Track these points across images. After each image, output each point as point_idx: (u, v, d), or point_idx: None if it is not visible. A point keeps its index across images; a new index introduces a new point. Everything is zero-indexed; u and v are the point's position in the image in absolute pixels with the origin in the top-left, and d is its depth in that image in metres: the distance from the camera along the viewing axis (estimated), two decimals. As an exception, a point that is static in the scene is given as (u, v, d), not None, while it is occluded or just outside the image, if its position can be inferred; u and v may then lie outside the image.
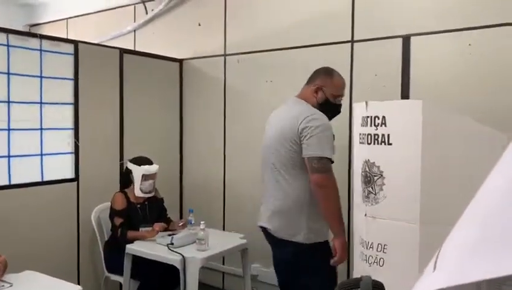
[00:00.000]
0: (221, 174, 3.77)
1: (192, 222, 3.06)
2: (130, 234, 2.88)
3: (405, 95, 2.91)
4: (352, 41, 3.11)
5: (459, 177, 1.44)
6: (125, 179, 3.09)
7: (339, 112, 2.44)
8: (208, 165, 3.86)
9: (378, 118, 1.54)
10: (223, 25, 3.77)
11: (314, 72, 2.46)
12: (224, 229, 3.66)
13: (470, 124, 1.46)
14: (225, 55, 3.77)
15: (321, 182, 2.04)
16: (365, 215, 1.58)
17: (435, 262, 0.52)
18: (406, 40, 2.90)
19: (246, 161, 3.64)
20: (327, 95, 2.33)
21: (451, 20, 2.73)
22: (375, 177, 1.55)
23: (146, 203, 3.08)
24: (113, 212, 2.97)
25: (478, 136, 1.45)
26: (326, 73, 2.38)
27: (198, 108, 3.93)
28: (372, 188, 1.56)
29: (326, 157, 2.05)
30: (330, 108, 2.34)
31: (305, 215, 2.13)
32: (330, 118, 2.29)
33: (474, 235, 0.50)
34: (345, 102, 3.08)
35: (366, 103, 1.59)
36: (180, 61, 4.00)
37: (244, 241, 2.96)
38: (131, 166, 3.03)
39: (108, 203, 3.05)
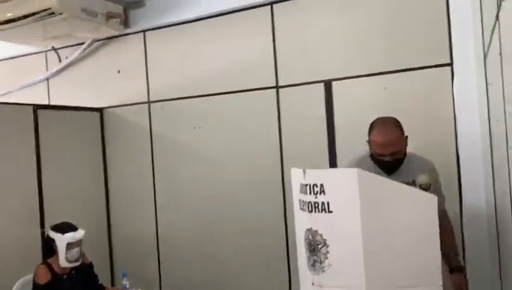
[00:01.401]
0: (154, 227, 3.61)
1: (127, 286, 2.88)
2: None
3: (331, 137, 3.02)
4: (277, 87, 3.18)
5: (400, 241, 1.49)
6: (48, 248, 2.83)
7: (388, 168, 2.07)
8: (139, 219, 3.68)
9: (317, 186, 1.56)
10: (145, 72, 3.67)
11: None
12: (160, 287, 3.49)
13: (403, 188, 1.53)
14: (149, 102, 3.67)
15: None
16: (312, 284, 1.58)
17: None
18: (328, 84, 3.02)
19: (179, 211, 3.53)
20: (371, 150, 2.13)
21: (369, 66, 2.89)
22: (319, 246, 1.56)
23: (73, 272, 2.82)
24: (37, 288, 2.70)
25: (412, 200, 1.52)
26: (370, 127, 2.15)
27: (124, 159, 3.75)
28: (317, 256, 1.57)
29: None
30: (379, 163, 2.09)
31: None
32: (389, 172, 2.06)
33: None
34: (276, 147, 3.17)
35: (304, 171, 1.60)
36: (101, 111, 3.82)
37: (184, 302, 2.83)
38: (53, 234, 2.78)
39: (32, 276, 2.77)
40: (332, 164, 3.00)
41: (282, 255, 3.15)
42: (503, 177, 1.84)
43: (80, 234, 2.81)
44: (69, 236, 2.75)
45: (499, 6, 1.35)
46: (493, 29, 1.64)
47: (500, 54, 1.51)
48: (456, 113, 2.67)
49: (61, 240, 2.75)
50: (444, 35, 2.68)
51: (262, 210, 3.21)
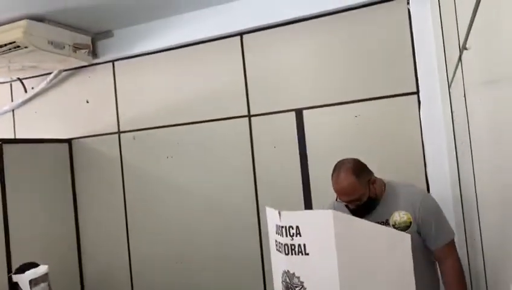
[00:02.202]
0: (126, 260, 3.52)
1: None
2: None
3: (304, 165, 3.04)
4: (249, 115, 3.19)
5: (376, 281, 1.51)
6: (16, 294, 2.73)
7: (354, 213, 1.97)
8: (111, 252, 3.59)
9: (293, 228, 1.56)
10: (114, 102, 3.62)
11: None
12: (136, 324, 3.40)
13: (377, 228, 1.56)
14: (119, 132, 3.61)
15: None
16: (291, 327, 1.57)
17: None
18: (299, 113, 3.06)
19: (152, 241, 3.46)
20: None
21: (339, 95, 2.95)
22: (297, 289, 1.56)
23: (43, 313, 2.74)
24: (5, 334, 2.59)
25: (386, 239, 1.54)
26: (332, 171, 2.03)
27: (94, 190, 3.67)
28: (294, 299, 1.56)
29: None
30: (346, 207, 2.03)
31: None
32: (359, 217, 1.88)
33: None
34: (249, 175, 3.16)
35: (279, 213, 1.60)
36: (69, 141, 3.73)
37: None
38: (16, 278, 2.71)
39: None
40: (306, 191, 3.02)
41: (258, 284, 3.13)
42: (472, 203, 1.90)
43: (41, 269, 2.75)
44: (30, 273, 2.69)
45: (461, 52, 1.41)
46: (456, 68, 1.70)
47: (464, 96, 1.56)
48: (424, 140, 2.75)
49: (23, 280, 2.69)
50: (409, 66, 2.77)
51: (237, 239, 3.19)
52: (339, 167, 2.00)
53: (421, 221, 1.95)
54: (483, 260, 1.72)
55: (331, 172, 2.10)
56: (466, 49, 1.25)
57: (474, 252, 1.96)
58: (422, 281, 1.91)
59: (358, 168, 1.98)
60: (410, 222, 1.94)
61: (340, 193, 1.95)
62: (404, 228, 1.90)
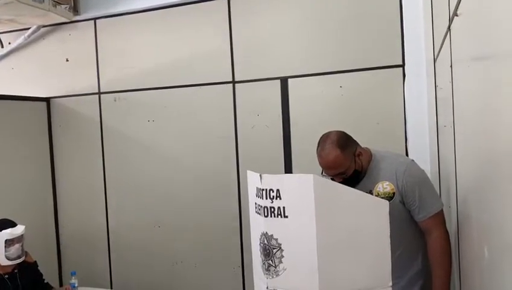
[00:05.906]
0: (104, 224, 3.50)
1: (76, 285, 2.79)
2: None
3: (287, 133, 3.03)
4: (234, 82, 3.14)
5: (353, 245, 1.52)
6: (-12, 249, 2.68)
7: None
8: (88, 215, 3.55)
9: (273, 191, 1.55)
10: (95, 61, 3.52)
11: None
12: (112, 286, 3.40)
13: (357, 194, 1.56)
14: (99, 93, 3.52)
15: None
16: (267, 288, 1.59)
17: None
18: (284, 81, 3.03)
19: (130, 206, 3.44)
20: None
21: (324, 64, 2.93)
22: (274, 250, 1.56)
23: (16, 271, 2.71)
24: (-23, 290, 2.56)
25: (365, 205, 1.55)
26: (318, 143, 1.95)
27: (72, 152, 3.60)
28: (272, 260, 1.57)
29: None
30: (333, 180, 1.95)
31: None
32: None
33: None
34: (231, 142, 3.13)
35: (261, 176, 1.59)
36: (47, 100, 3.63)
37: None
38: None
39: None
40: (287, 159, 3.03)
41: (236, 252, 3.15)
42: (450, 177, 1.92)
43: (19, 229, 2.70)
44: (7, 233, 2.64)
45: (451, 20, 1.39)
46: (444, 38, 1.69)
47: (451, 66, 1.55)
48: (406, 113, 2.77)
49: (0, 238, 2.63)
50: (397, 38, 2.76)
51: (217, 206, 3.19)
52: (323, 140, 1.92)
53: (404, 190, 1.89)
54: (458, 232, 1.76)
55: (313, 141, 2.03)
56: (457, 15, 1.22)
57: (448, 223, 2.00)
58: (407, 251, 1.93)
59: (344, 141, 1.90)
60: (394, 193, 1.90)
61: (326, 166, 1.89)
62: (387, 199, 1.80)
